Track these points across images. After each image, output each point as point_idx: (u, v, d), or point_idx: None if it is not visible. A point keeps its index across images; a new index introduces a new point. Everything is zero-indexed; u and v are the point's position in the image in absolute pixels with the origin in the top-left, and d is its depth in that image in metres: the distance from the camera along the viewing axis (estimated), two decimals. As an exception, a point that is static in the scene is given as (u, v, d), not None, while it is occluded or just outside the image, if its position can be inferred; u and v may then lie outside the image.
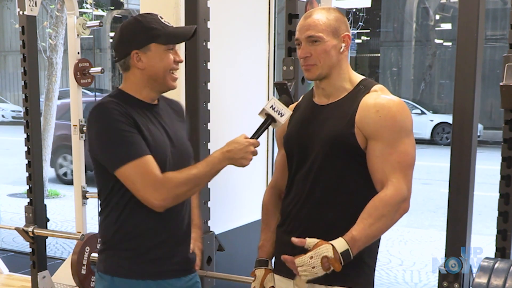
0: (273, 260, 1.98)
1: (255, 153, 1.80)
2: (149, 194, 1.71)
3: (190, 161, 1.92)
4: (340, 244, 1.66)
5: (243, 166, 1.79)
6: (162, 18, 1.84)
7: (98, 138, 1.74)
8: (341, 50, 1.81)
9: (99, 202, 1.89)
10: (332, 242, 1.67)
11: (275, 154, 2.15)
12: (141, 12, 3.15)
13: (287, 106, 1.84)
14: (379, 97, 1.78)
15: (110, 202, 1.81)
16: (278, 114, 1.81)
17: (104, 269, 1.84)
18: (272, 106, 1.81)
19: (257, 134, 1.82)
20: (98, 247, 1.96)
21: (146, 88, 1.83)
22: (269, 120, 1.82)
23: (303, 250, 1.81)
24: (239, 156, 1.77)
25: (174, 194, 1.73)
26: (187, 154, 1.93)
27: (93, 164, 1.82)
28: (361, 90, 1.82)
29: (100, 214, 1.88)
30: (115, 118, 1.71)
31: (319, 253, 1.66)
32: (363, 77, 1.87)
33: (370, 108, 1.76)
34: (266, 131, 1.89)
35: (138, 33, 1.79)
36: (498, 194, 2.29)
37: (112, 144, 1.72)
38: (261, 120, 1.84)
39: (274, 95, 3.72)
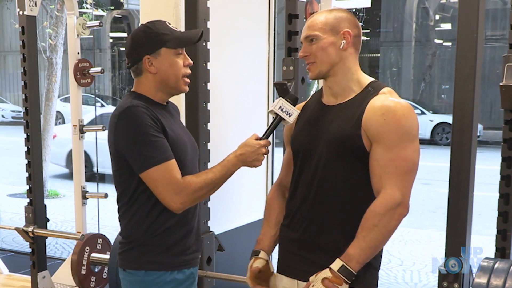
0: (274, 256, 1.98)
1: (266, 153, 1.90)
2: (170, 197, 1.83)
3: (197, 154, 2.08)
4: (335, 263, 1.72)
5: (256, 167, 1.90)
6: (170, 24, 1.94)
7: (127, 140, 1.83)
8: (341, 47, 1.80)
9: (120, 201, 1.95)
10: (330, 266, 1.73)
11: (275, 154, 2.16)
12: (141, 13, 3.20)
13: (294, 104, 1.87)
14: (387, 99, 1.77)
15: (136, 201, 1.90)
16: (287, 114, 1.86)
17: (136, 266, 1.92)
18: (280, 107, 1.86)
19: (267, 134, 1.89)
20: (120, 246, 1.98)
21: (159, 91, 1.94)
22: (278, 119, 1.87)
23: (309, 249, 1.82)
24: (251, 158, 1.87)
25: (192, 198, 1.86)
26: (197, 148, 2.08)
27: (116, 165, 1.92)
28: (369, 92, 1.81)
29: (123, 213, 1.95)
30: (145, 123, 1.81)
31: (318, 278, 1.72)
32: (372, 79, 1.87)
33: (376, 111, 1.75)
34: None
35: (148, 39, 1.89)
36: (498, 194, 2.29)
37: (140, 147, 1.81)
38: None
39: (274, 95, 3.72)
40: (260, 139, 1.88)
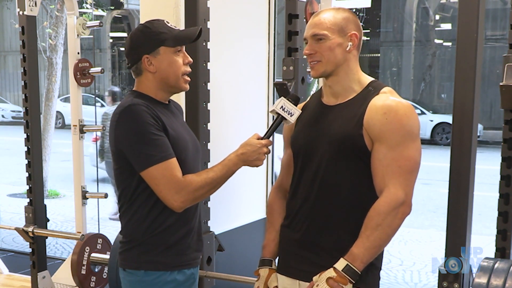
0: (277, 259, 1.98)
1: (268, 153, 1.89)
2: (170, 196, 1.82)
3: (200, 154, 2.09)
4: (339, 263, 1.72)
5: (257, 166, 1.89)
6: (168, 23, 1.94)
7: (128, 139, 1.83)
8: (348, 49, 1.80)
9: (121, 200, 1.95)
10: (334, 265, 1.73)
11: (275, 154, 2.16)
12: (141, 13, 3.20)
13: (296, 104, 1.88)
14: (388, 99, 1.77)
15: (136, 200, 1.90)
16: (288, 114, 1.86)
17: (136, 266, 1.92)
18: (282, 107, 1.86)
19: (269, 133, 1.89)
20: (120, 245, 1.97)
21: (159, 90, 1.94)
22: (279, 118, 1.87)
23: (310, 249, 1.82)
24: (253, 158, 1.87)
25: (193, 196, 1.85)
26: (199, 147, 2.08)
27: (117, 163, 1.91)
28: (370, 91, 1.82)
29: (124, 212, 1.95)
30: (146, 121, 1.80)
31: (322, 278, 1.72)
32: (372, 78, 1.87)
33: (378, 110, 1.75)
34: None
35: (147, 38, 1.89)
36: (498, 194, 2.29)
37: (141, 146, 1.81)
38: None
39: (274, 95, 3.72)
40: (262, 138, 1.88)
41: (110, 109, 6.48)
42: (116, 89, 9.86)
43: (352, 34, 1.80)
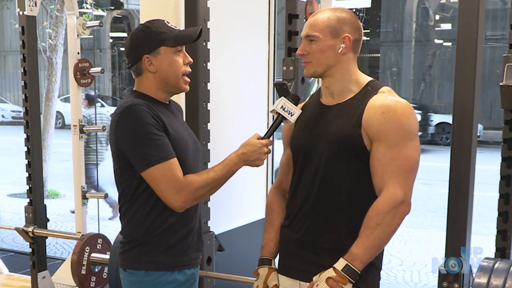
0: (276, 259, 1.98)
1: (268, 153, 1.89)
2: (171, 196, 1.83)
3: (200, 154, 2.09)
4: (339, 263, 1.72)
5: (258, 166, 1.89)
6: (168, 23, 1.94)
7: (128, 139, 1.83)
8: (340, 51, 1.80)
9: (121, 200, 1.95)
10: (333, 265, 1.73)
11: (276, 154, 2.16)
12: (141, 13, 3.21)
13: (296, 103, 1.88)
14: (386, 98, 1.77)
15: (136, 201, 1.90)
16: (289, 113, 1.86)
17: (137, 266, 1.92)
18: (282, 106, 1.86)
19: (269, 133, 1.89)
20: (121, 245, 1.97)
21: (160, 90, 1.94)
22: (280, 118, 1.87)
23: (311, 249, 1.82)
24: (253, 157, 1.87)
25: (194, 196, 1.85)
26: (199, 147, 2.08)
27: (117, 164, 1.91)
28: (369, 91, 1.81)
29: (124, 212, 1.95)
30: (146, 121, 1.81)
31: (322, 278, 1.72)
32: (371, 78, 1.87)
33: (377, 109, 1.75)
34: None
35: (147, 38, 1.89)
36: (498, 194, 2.29)
37: (142, 146, 1.81)
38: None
39: (274, 95, 3.72)
40: (262, 138, 1.88)
41: (86, 112, 6.40)
42: (92, 93, 10.06)
43: (345, 36, 1.80)
